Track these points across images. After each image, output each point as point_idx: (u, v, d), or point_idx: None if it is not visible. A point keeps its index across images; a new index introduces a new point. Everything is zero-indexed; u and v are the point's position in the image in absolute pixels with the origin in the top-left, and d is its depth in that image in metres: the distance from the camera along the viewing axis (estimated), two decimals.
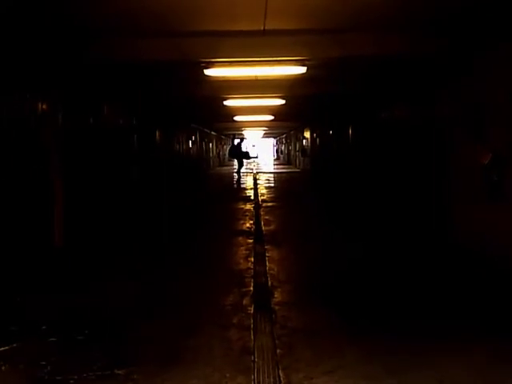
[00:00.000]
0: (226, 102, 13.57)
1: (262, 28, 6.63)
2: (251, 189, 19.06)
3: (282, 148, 48.96)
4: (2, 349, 4.23)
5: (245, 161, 29.83)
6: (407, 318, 4.85)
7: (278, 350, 4.11)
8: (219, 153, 40.32)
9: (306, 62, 8.05)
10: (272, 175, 27.87)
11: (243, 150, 28.64)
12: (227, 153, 34.64)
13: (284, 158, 46.15)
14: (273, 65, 7.94)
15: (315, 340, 4.33)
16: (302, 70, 8.27)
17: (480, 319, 4.80)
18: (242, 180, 23.87)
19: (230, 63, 7.91)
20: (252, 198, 15.93)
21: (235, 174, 25.34)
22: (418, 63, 8.44)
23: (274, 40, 7.02)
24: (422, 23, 6.60)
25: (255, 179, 24.22)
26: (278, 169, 35.04)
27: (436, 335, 4.41)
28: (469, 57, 7.13)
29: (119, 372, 3.77)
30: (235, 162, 28.68)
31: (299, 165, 32.05)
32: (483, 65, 6.87)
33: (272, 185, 21.66)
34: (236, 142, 28.09)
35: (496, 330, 4.52)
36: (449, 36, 6.85)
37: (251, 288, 5.91)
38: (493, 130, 6.59)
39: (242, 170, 26.83)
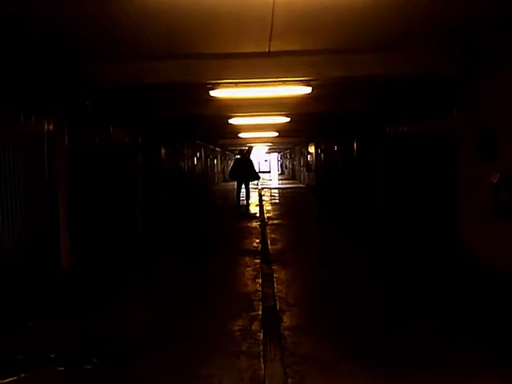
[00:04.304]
0: (230, 121, 13.60)
1: (267, 50, 6.66)
2: (256, 205, 19.00)
3: (287, 163, 48.97)
4: (10, 379, 4.19)
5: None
6: (423, 346, 4.76)
7: (289, 380, 4.06)
8: (223, 168, 40.47)
9: (312, 82, 8.06)
10: (277, 191, 27.82)
11: (253, 165, 17.84)
12: (229, 171, 20.55)
13: (288, 173, 46.13)
14: (278, 85, 7.95)
15: (327, 368, 4.26)
16: (308, 90, 8.27)
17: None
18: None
19: (236, 84, 7.92)
20: (258, 215, 15.88)
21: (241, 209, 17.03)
22: (428, 81, 8.42)
23: (279, 61, 7.06)
24: (428, 44, 6.62)
25: (260, 195, 24.18)
26: (282, 184, 35.00)
27: (442, 360, 4.35)
28: (481, 75, 7.09)
29: None
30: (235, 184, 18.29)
31: (304, 180, 32.00)
32: (495, 84, 6.83)
33: (277, 201, 21.61)
34: (241, 153, 18.45)
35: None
36: (459, 55, 6.86)
37: (260, 312, 5.86)
38: (503, 150, 6.55)
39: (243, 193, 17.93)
